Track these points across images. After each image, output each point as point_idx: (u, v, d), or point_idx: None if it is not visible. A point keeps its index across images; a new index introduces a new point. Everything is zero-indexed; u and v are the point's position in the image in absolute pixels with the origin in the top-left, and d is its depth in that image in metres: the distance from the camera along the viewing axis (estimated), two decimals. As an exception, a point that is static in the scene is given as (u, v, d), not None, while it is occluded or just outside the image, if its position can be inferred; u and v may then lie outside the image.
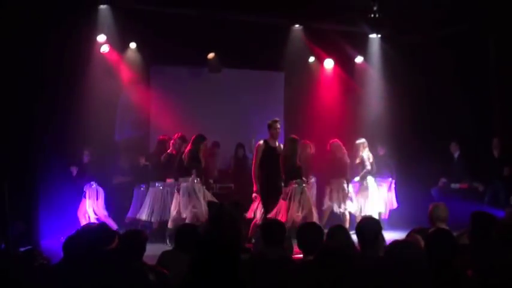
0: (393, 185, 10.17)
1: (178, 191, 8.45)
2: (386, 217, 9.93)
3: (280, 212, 8.12)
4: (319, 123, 10.66)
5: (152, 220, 8.90)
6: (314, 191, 9.71)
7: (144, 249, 4.20)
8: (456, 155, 10.14)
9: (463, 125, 9.97)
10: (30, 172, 7.94)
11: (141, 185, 9.30)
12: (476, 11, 9.21)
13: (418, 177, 10.12)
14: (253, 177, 8.18)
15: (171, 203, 8.60)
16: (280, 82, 11.62)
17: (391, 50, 10.89)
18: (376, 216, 8.82)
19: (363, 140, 9.71)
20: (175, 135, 9.05)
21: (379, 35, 11.04)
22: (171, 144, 9.03)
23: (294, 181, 8.16)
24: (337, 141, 9.60)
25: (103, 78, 9.32)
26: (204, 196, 8.44)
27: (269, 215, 7.87)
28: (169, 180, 8.93)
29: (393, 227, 9.27)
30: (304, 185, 8.29)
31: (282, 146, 8.37)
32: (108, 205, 9.20)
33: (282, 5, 9.22)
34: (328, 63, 11.31)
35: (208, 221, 7.40)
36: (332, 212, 9.52)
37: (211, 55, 10.32)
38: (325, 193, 9.65)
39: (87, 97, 8.90)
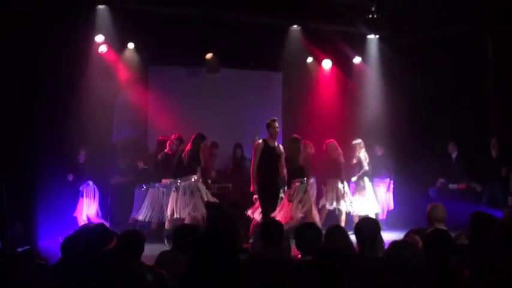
0: (391, 186, 10.18)
1: (177, 190, 8.46)
2: (384, 217, 9.95)
3: (283, 211, 8.16)
4: (317, 123, 10.66)
5: (150, 220, 8.90)
6: (314, 191, 9.72)
7: (142, 250, 4.19)
8: (454, 155, 10.16)
9: (461, 125, 9.98)
10: (29, 172, 7.92)
11: (142, 185, 9.30)
12: (473, 11, 9.22)
13: (416, 178, 10.12)
14: (251, 176, 8.19)
15: (167, 204, 8.60)
16: (279, 82, 11.63)
17: (389, 51, 10.90)
18: (373, 217, 8.84)
19: (359, 141, 9.72)
20: (173, 136, 9.06)
21: (377, 36, 11.04)
22: (167, 144, 9.05)
23: (297, 179, 8.21)
24: (332, 142, 9.61)
25: (101, 78, 9.31)
26: (205, 196, 8.44)
27: (272, 214, 7.89)
28: (164, 181, 8.93)
29: (391, 227, 9.29)
30: (306, 184, 8.35)
31: (281, 146, 8.38)
32: (106, 205, 9.20)
33: (280, 5, 9.23)
34: (326, 64, 11.31)
35: (206, 222, 7.40)
36: (329, 213, 9.54)
37: (209, 55, 10.33)
38: (322, 193, 9.68)
39: (85, 97, 8.89)
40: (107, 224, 8.29)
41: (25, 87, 7.72)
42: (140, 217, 8.89)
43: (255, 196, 8.25)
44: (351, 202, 9.45)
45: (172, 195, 8.53)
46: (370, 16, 8.83)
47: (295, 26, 10.67)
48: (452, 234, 4.02)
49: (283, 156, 8.22)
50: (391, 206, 10.13)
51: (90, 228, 4.44)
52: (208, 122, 10.21)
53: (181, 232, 4.76)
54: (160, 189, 9.01)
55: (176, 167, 8.67)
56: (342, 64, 11.31)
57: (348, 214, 9.46)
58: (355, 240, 4.25)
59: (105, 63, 9.69)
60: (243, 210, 8.23)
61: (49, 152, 8.35)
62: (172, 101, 10.32)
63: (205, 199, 8.37)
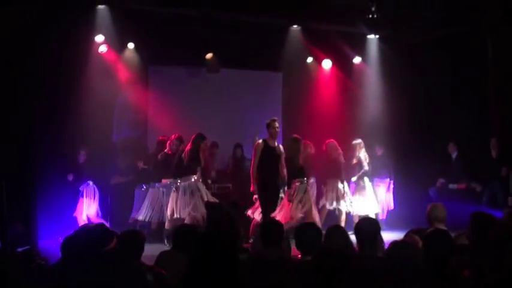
0: (391, 186, 10.18)
1: (177, 190, 8.46)
2: (384, 217, 9.95)
3: (283, 211, 8.16)
4: (317, 123, 10.66)
5: (150, 220, 8.90)
6: (314, 191, 9.72)
7: (142, 250, 4.19)
8: (454, 155, 10.15)
9: (461, 125, 9.98)
10: (29, 172, 7.92)
11: (142, 185, 9.30)
12: (473, 11, 9.21)
13: (416, 178, 10.12)
14: (251, 176, 8.18)
15: (167, 204, 8.60)
16: (279, 82, 11.62)
17: (389, 51, 10.89)
18: (373, 217, 8.84)
19: (359, 141, 9.72)
20: (173, 136, 9.06)
21: (377, 36, 11.04)
22: (167, 144, 9.05)
23: (297, 179, 8.22)
24: (332, 142, 9.61)
25: (101, 78, 9.30)
26: (205, 196, 8.44)
27: (272, 215, 7.89)
28: (164, 181, 8.93)
29: (391, 227, 9.29)
30: (306, 184, 8.35)
31: (281, 146, 8.38)
32: (106, 205, 9.20)
33: (280, 5, 9.23)
34: (326, 64, 11.31)
35: (206, 222, 7.40)
36: (329, 213, 9.54)
37: (209, 55, 10.32)
38: (322, 193, 9.68)
39: (85, 97, 8.89)
40: (107, 224, 8.29)
41: (25, 87, 7.72)
42: (140, 217, 8.89)
43: (255, 196, 8.25)
44: (351, 202, 9.45)
45: (172, 195, 8.53)
46: (370, 16, 8.83)
47: (295, 26, 10.66)
48: (452, 234, 4.02)
49: (283, 156, 8.22)
50: (391, 206, 10.13)
51: (90, 228, 4.44)
52: (208, 122, 10.21)
53: (181, 232, 4.76)
54: (160, 189, 9.01)
55: (176, 167, 8.67)
56: (342, 64, 11.30)
57: (348, 214, 9.46)
58: (355, 240, 4.24)
59: (105, 63, 9.68)
60: (243, 210, 8.23)
61: (49, 152, 8.34)
62: (172, 101, 10.32)
63: (205, 199, 8.37)
